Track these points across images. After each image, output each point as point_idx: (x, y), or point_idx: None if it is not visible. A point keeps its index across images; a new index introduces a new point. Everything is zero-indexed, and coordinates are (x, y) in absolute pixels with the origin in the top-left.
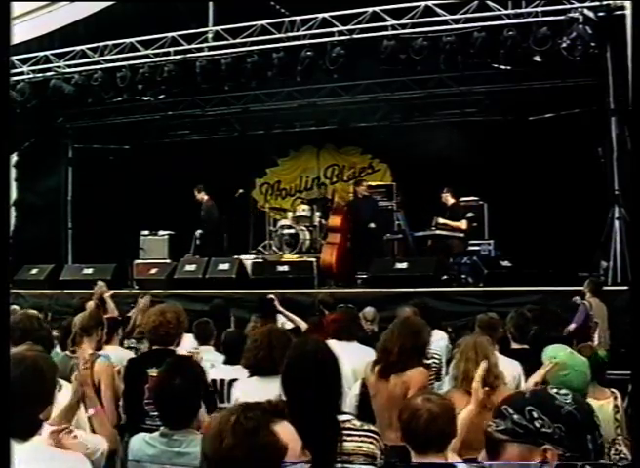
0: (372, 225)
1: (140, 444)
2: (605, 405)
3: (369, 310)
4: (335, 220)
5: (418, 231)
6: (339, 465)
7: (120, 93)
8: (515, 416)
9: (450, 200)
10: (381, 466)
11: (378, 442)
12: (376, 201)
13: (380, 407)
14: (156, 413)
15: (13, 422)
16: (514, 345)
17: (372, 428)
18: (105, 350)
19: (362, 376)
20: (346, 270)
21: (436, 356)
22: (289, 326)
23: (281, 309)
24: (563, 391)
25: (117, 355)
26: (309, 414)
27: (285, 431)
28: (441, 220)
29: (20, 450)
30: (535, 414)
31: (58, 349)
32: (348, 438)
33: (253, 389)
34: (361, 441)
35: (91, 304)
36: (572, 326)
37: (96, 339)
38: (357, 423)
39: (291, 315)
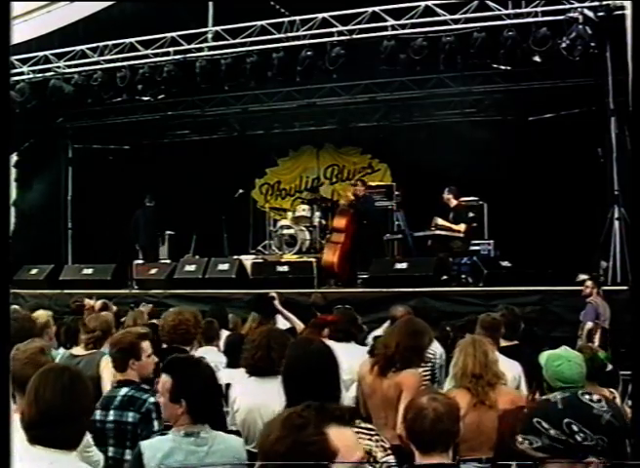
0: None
1: (160, 448)
2: None
3: None
4: (340, 221)
5: (418, 231)
6: None
7: (120, 93)
8: (552, 431)
9: (453, 201)
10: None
11: (377, 441)
12: (373, 199)
13: (375, 406)
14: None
15: (60, 433)
16: (503, 343)
17: (369, 426)
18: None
19: (359, 377)
20: (348, 270)
21: (432, 359)
22: (285, 326)
23: (280, 308)
24: (595, 397)
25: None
26: None
27: (341, 437)
28: (440, 221)
29: (61, 461)
30: (575, 428)
31: (61, 349)
32: None
33: (251, 389)
34: (359, 437)
35: (98, 304)
36: (589, 324)
37: None
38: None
39: (290, 315)
